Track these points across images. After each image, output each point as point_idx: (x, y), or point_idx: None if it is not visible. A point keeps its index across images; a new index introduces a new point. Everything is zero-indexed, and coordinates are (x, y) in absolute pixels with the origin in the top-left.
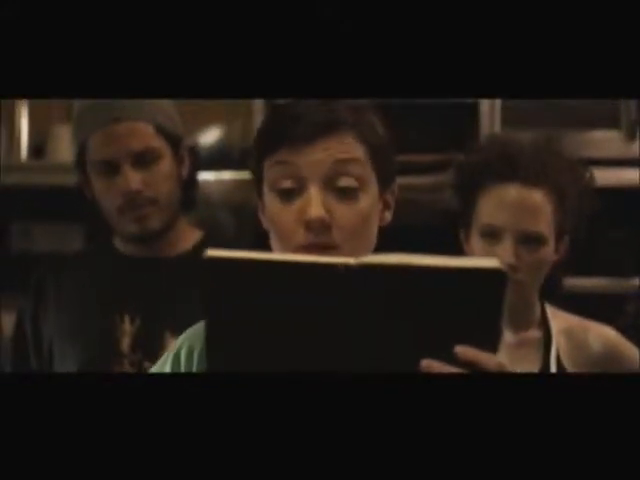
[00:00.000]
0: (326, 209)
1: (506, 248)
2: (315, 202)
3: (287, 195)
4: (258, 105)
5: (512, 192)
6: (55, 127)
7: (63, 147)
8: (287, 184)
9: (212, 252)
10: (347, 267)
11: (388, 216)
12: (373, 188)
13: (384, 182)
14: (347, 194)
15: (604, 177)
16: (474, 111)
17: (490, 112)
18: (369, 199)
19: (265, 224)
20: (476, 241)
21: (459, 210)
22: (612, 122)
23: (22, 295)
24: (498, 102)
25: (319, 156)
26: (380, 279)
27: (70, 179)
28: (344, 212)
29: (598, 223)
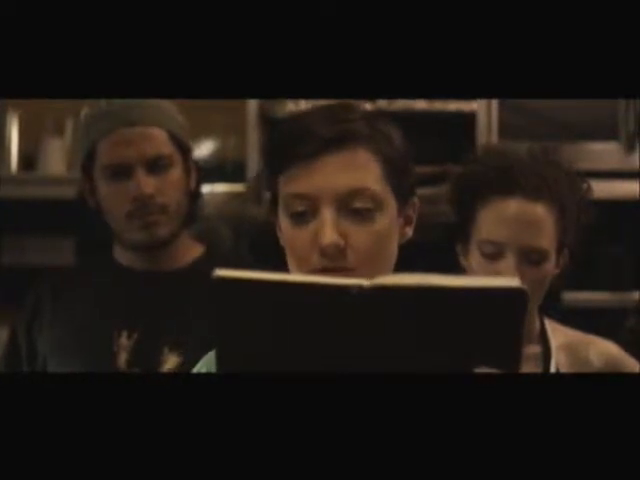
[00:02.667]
0: (340, 233)
1: (509, 265)
2: (329, 227)
3: (300, 218)
4: (252, 118)
5: (514, 206)
6: (46, 139)
7: (54, 159)
8: (300, 208)
9: (221, 272)
10: (360, 288)
11: (409, 232)
12: (390, 206)
13: (402, 197)
14: (362, 216)
15: (603, 189)
16: (471, 123)
17: (487, 124)
18: (386, 219)
19: (282, 242)
20: (475, 257)
21: (456, 224)
22: (611, 134)
23: (16, 309)
24: (495, 114)
25: (332, 176)
26: (395, 301)
27: (62, 191)
28: (359, 235)
29: (596, 236)
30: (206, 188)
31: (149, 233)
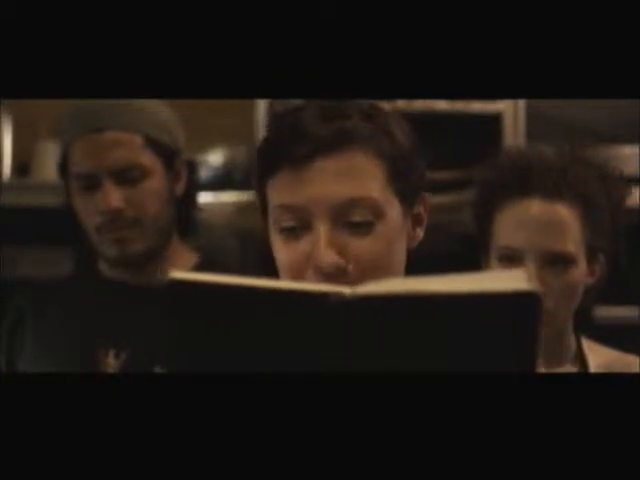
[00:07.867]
0: (338, 250)
1: (528, 272)
2: (325, 245)
3: (291, 233)
4: (261, 123)
5: (531, 208)
6: (40, 144)
7: (49, 165)
8: (289, 222)
9: (176, 274)
10: (341, 297)
11: (420, 233)
12: (394, 212)
13: (409, 198)
14: (362, 228)
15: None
16: (497, 125)
17: (514, 126)
18: (390, 228)
19: (274, 253)
20: (495, 267)
21: (478, 235)
22: (636, 137)
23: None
24: (522, 115)
25: (326, 185)
26: (382, 311)
27: (56, 199)
28: (360, 249)
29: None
30: (213, 197)
31: (121, 249)
